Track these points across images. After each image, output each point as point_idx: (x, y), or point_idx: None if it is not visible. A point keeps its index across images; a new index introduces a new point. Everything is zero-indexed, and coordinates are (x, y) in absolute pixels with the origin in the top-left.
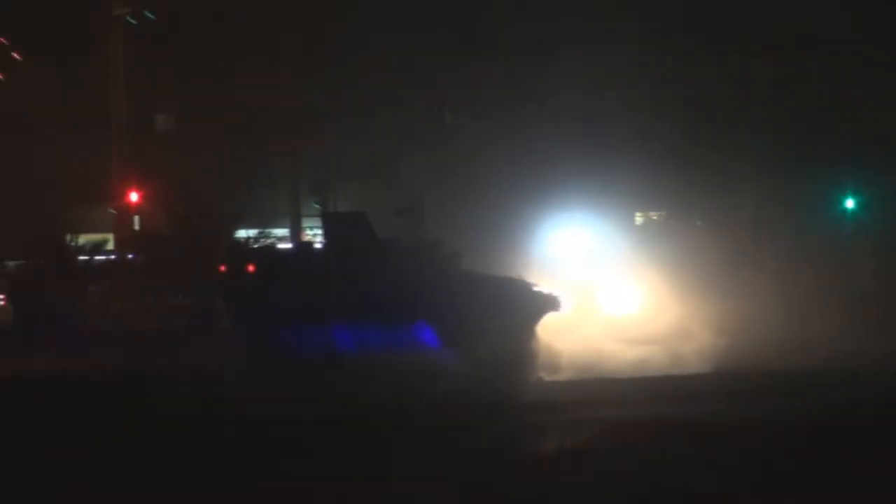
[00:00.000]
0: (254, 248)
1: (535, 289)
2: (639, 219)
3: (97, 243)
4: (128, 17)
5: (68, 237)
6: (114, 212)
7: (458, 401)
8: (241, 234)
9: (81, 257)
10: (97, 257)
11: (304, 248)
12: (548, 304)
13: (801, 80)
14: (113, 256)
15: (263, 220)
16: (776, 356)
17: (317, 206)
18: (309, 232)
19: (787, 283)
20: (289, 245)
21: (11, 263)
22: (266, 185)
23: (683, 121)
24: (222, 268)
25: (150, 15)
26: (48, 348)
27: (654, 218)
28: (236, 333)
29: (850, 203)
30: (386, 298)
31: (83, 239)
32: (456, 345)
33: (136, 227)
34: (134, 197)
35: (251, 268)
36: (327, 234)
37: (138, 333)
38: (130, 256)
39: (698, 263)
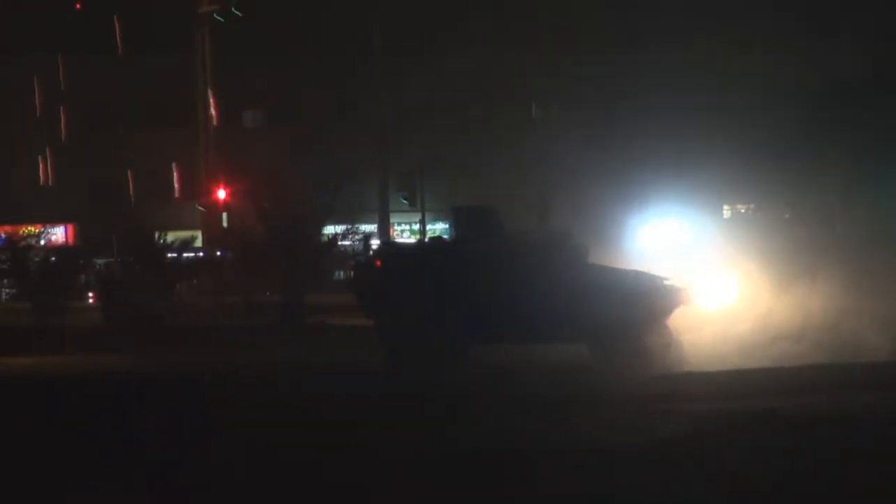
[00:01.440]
0: (387, 244)
1: (666, 283)
2: (727, 211)
3: (185, 240)
4: (215, 14)
5: (157, 234)
6: (202, 209)
7: (569, 391)
8: (330, 229)
9: (170, 254)
10: (186, 254)
11: (435, 243)
12: (679, 298)
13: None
14: (201, 254)
15: (351, 216)
16: (877, 349)
17: (405, 201)
18: (397, 228)
19: (880, 276)
20: (412, 240)
21: (100, 261)
22: (353, 180)
23: (772, 113)
24: (353, 263)
25: (237, 12)
26: (138, 345)
27: (743, 211)
28: (379, 333)
29: None
30: (517, 291)
31: (171, 236)
32: (586, 339)
33: (225, 223)
34: (222, 194)
35: (378, 263)
36: (458, 229)
37: (232, 330)
38: (219, 253)
39: (789, 256)
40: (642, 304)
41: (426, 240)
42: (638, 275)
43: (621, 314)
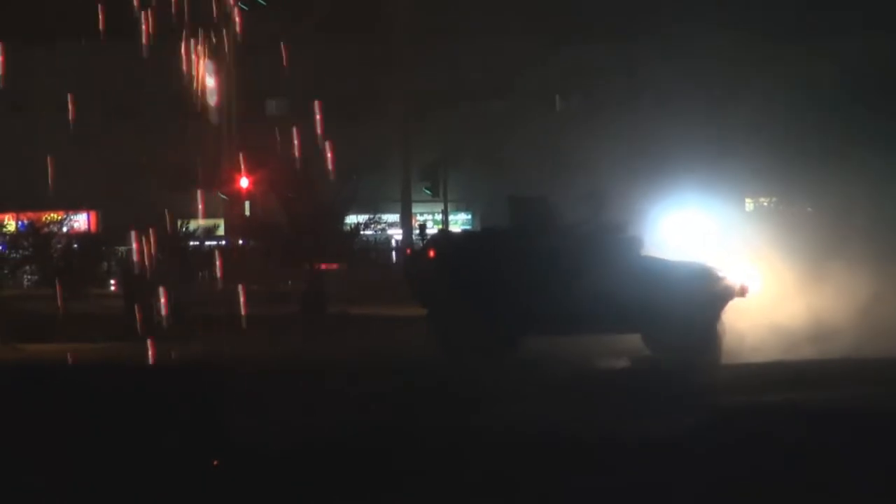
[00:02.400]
0: (441, 233)
1: (721, 274)
2: (749, 204)
3: (208, 229)
4: (240, 3)
5: (179, 222)
6: (224, 197)
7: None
8: (352, 219)
9: (192, 242)
10: (208, 243)
11: (488, 232)
12: (733, 290)
13: None
14: (223, 242)
15: (374, 206)
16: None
17: (427, 191)
18: (420, 217)
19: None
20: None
21: (122, 249)
22: (376, 170)
23: (795, 107)
24: (408, 251)
25: (261, 1)
26: (159, 333)
27: (765, 204)
28: (431, 322)
29: None
30: (572, 282)
31: (194, 224)
32: (641, 330)
33: (247, 212)
34: (244, 183)
35: (431, 252)
36: (513, 218)
37: (253, 319)
38: (241, 242)
39: (812, 250)
40: (698, 295)
41: (479, 229)
42: (693, 266)
43: (677, 306)
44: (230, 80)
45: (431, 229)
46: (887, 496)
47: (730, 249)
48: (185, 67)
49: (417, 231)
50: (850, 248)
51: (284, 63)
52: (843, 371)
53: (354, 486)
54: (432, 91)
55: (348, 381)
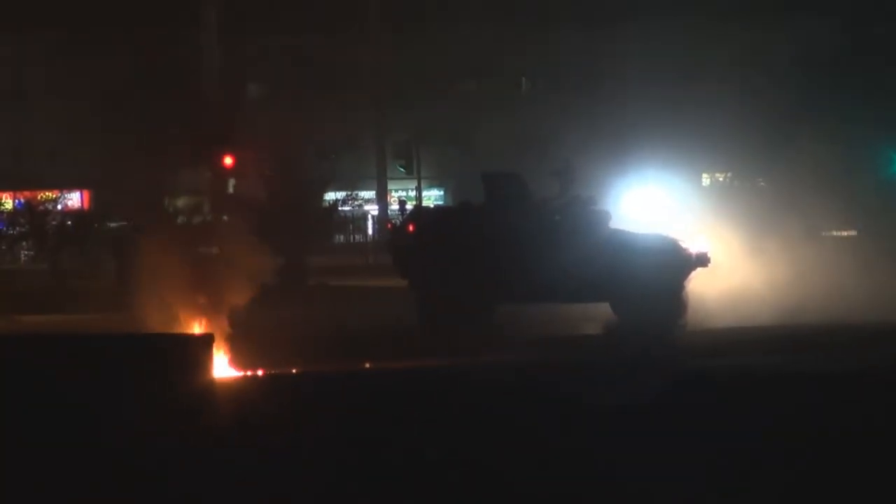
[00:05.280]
0: (420, 208)
1: (684, 245)
2: (706, 179)
3: (193, 205)
4: None
5: (166, 199)
6: (209, 175)
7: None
8: (330, 196)
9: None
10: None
11: (464, 207)
12: (696, 260)
13: (865, 46)
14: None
15: (350, 183)
16: (841, 311)
17: (401, 169)
18: (394, 194)
19: (847, 242)
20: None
21: (113, 224)
22: (352, 149)
23: (749, 87)
24: (388, 226)
25: None
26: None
27: (721, 179)
28: (412, 293)
29: None
30: (543, 254)
31: (180, 201)
32: (610, 299)
33: (231, 189)
34: (228, 161)
35: (411, 227)
36: (487, 193)
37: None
38: (225, 218)
39: (763, 222)
40: (663, 265)
41: (455, 204)
42: (658, 238)
43: (643, 275)
44: (211, 63)
45: (408, 206)
46: (838, 451)
47: (690, 222)
48: (172, 51)
49: (397, 207)
50: (797, 221)
51: (266, 47)
52: (800, 336)
53: None
54: (406, 73)
55: None
